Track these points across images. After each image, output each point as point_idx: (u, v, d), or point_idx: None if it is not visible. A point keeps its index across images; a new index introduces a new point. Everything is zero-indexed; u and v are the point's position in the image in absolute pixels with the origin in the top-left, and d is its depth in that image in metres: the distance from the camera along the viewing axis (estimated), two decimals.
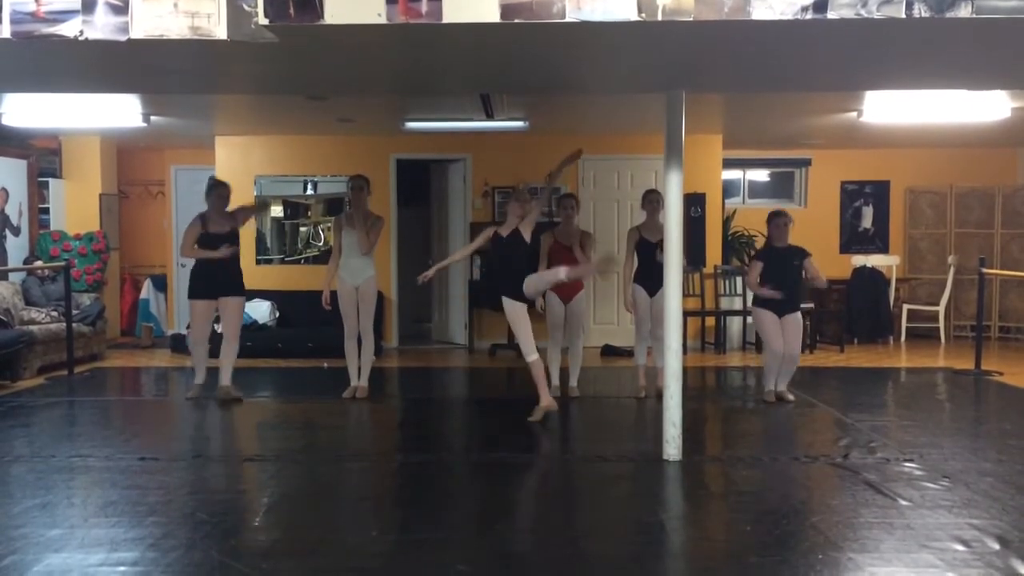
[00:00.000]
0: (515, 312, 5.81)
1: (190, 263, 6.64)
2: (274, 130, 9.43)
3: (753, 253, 6.99)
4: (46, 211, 9.59)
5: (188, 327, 7.13)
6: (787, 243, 6.36)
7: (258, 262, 9.84)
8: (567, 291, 6.62)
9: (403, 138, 9.40)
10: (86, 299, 8.88)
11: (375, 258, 6.78)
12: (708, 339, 9.72)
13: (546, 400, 5.86)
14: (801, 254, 6.35)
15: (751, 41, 3.69)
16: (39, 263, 8.85)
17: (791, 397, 6.49)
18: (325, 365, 8.11)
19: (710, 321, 9.69)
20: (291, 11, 3.23)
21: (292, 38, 3.47)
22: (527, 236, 5.87)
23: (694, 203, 9.57)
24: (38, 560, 3.36)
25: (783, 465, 4.87)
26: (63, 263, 8.28)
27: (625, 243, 6.75)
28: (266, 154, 9.85)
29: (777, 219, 6.37)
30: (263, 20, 3.26)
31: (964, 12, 3.15)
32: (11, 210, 9.03)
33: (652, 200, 6.56)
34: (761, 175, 11.37)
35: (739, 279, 9.74)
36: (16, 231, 9.11)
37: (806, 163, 10.97)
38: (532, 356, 5.78)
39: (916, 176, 10.93)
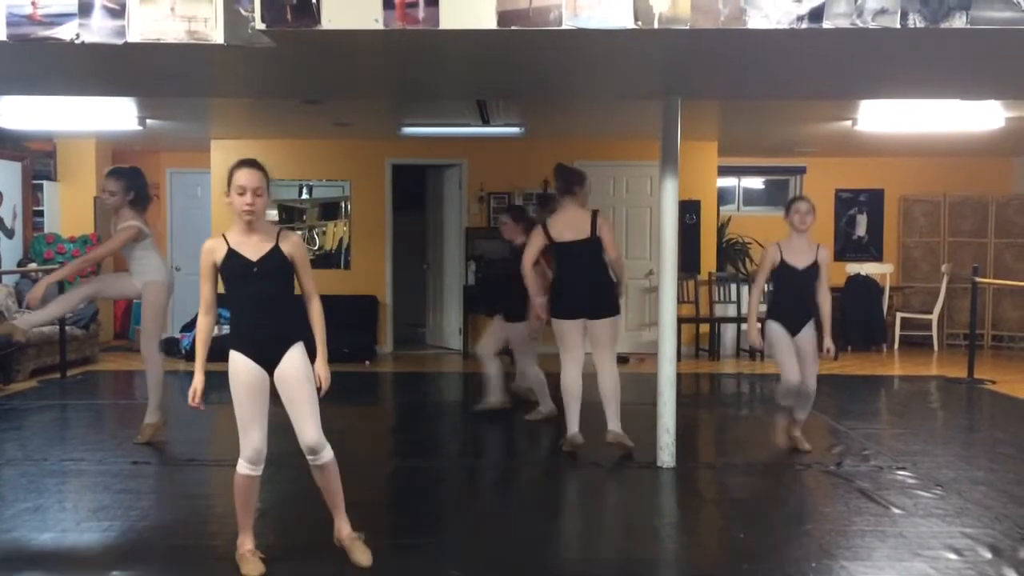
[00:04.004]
0: None
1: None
2: (270, 134, 9.42)
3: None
4: (40, 214, 9.57)
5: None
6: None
7: None
8: None
9: (399, 143, 9.40)
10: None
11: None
12: (702, 345, 9.72)
13: None
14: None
15: (747, 49, 3.71)
16: (33, 265, 8.82)
17: (807, 446, 5.24)
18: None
19: (704, 328, 9.70)
20: (288, 16, 3.23)
21: (289, 43, 3.47)
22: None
23: (689, 210, 9.59)
24: None
25: (776, 472, 4.88)
26: (57, 266, 8.25)
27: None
28: (262, 158, 9.48)
29: (792, 203, 5.10)
30: (260, 25, 3.26)
31: (959, 22, 3.17)
32: (5, 212, 9.00)
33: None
34: (756, 182, 11.39)
35: (733, 286, 9.75)
36: (10, 233, 9.07)
37: (801, 171, 10.99)
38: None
39: (910, 185, 10.96)
